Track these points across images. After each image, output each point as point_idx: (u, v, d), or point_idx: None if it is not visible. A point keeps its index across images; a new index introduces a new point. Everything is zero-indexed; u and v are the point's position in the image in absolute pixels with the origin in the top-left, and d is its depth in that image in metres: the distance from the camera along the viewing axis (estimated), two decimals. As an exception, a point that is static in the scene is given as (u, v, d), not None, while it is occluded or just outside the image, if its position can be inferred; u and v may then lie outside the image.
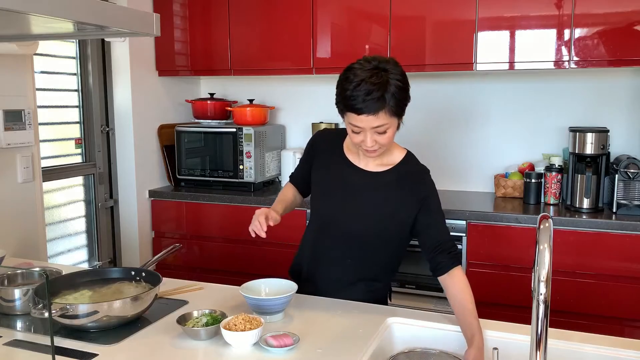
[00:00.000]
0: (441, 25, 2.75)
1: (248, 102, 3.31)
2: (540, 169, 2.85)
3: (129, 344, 1.35)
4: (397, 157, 1.72)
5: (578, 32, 2.55)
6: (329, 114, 3.37)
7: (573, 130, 2.64)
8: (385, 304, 1.76)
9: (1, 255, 1.80)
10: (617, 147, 2.84)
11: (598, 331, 1.47)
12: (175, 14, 3.23)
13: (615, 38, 2.50)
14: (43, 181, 2.45)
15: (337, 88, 1.61)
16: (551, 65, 2.62)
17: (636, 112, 2.84)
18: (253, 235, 1.59)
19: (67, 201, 2.93)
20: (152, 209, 3.23)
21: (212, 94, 3.42)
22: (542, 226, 0.99)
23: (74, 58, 2.95)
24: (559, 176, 2.74)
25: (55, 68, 2.85)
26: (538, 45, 2.61)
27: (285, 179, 3.30)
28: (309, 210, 2.84)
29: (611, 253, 2.39)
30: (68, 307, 1.34)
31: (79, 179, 3.00)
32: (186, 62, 3.26)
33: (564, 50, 2.58)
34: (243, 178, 3.11)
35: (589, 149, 2.58)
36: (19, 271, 1.69)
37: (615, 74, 2.84)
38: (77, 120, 2.99)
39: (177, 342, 1.35)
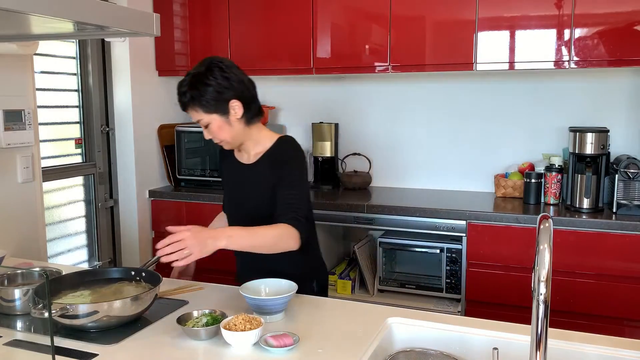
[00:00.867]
0: (441, 25, 2.75)
1: (248, 102, 3.31)
2: (540, 169, 2.85)
3: (129, 344, 1.35)
4: (267, 144, 1.80)
5: (578, 32, 2.55)
6: (329, 114, 3.37)
7: (573, 130, 2.64)
8: (324, 276, 1.92)
9: (1, 255, 1.80)
10: (617, 147, 2.84)
11: (598, 331, 1.47)
12: (175, 14, 3.23)
13: (615, 38, 2.50)
14: (43, 181, 2.45)
15: None
16: (551, 65, 2.62)
17: (636, 112, 2.84)
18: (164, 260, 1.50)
19: (67, 201, 2.93)
20: (152, 209, 3.23)
21: (212, 94, 3.41)
22: (542, 226, 0.99)
23: (74, 58, 2.95)
24: (559, 176, 2.74)
25: (55, 68, 2.85)
26: (538, 45, 2.61)
27: (285, 179, 3.30)
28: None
29: (611, 253, 2.39)
30: (68, 307, 1.34)
31: (79, 179, 3.00)
32: (186, 62, 3.26)
33: (564, 50, 2.58)
34: (243, 178, 3.11)
35: (589, 149, 2.58)
36: (19, 271, 1.69)
37: (615, 74, 2.84)
38: (77, 120, 2.99)
39: (177, 342, 1.35)
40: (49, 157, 2.79)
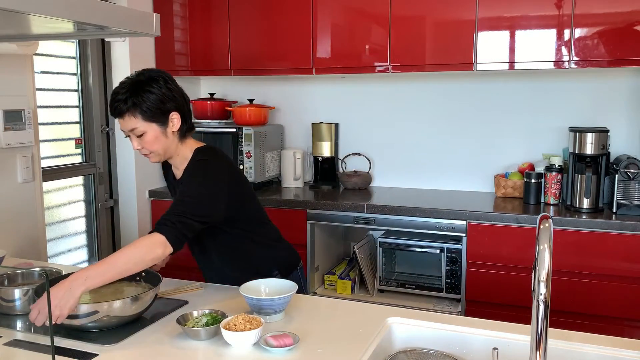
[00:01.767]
0: (441, 25, 2.75)
1: (248, 102, 3.32)
2: (540, 169, 2.85)
3: (129, 344, 1.35)
4: (190, 157, 1.75)
5: (578, 32, 2.55)
6: (329, 114, 3.37)
7: (573, 130, 2.64)
8: (294, 265, 1.94)
9: (1, 255, 1.80)
10: (617, 147, 2.84)
11: (598, 331, 1.47)
12: (175, 14, 3.23)
13: (615, 38, 2.50)
14: (43, 181, 2.45)
15: None
16: (551, 65, 2.62)
17: (636, 112, 2.84)
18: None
19: (67, 201, 2.93)
20: (152, 209, 3.23)
21: (212, 94, 3.42)
22: (542, 226, 0.99)
23: (74, 58, 2.95)
24: (559, 176, 2.74)
25: (55, 68, 2.85)
26: (538, 45, 2.61)
27: (285, 179, 3.30)
28: (308, 210, 2.86)
29: (611, 253, 2.39)
30: None
31: (79, 179, 3.00)
32: (186, 62, 3.26)
33: (564, 50, 2.58)
34: (243, 178, 3.11)
35: (589, 149, 2.58)
36: (19, 271, 1.70)
37: (615, 74, 2.84)
38: (77, 120, 2.99)
39: (177, 342, 1.35)
40: (49, 157, 2.79)
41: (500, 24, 2.66)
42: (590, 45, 2.54)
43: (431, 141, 3.21)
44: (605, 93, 2.88)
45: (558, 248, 2.44)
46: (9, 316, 1.51)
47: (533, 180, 2.75)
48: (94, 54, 3.01)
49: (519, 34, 2.64)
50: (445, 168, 3.19)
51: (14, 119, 2.23)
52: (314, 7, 2.95)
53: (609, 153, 2.65)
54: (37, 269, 1.75)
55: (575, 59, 2.57)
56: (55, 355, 1.25)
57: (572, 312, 2.46)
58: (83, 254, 3.04)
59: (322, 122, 3.29)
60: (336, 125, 3.30)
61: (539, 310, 0.95)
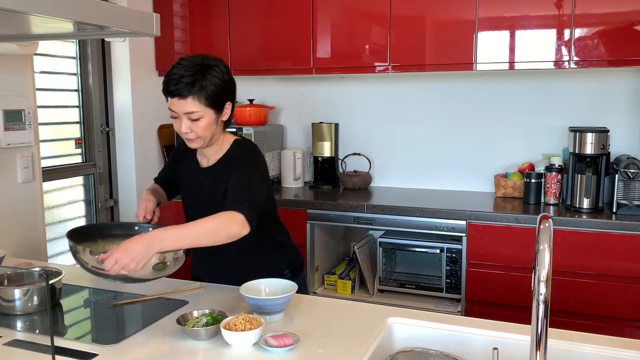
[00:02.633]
0: (441, 25, 2.75)
1: (248, 102, 3.32)
2: (540, 169, 2.85)
3: (129, 344, 1.35)
4: (226, 147, 1.78)
5: (578, 32, 2.55)
6: (329, 114, 3.37)
7: (573, 130, 2.64)
8: (300, 267, 1.92)
9: (1, 255, 1.80)
10: (617, 147, 2.84)
11: (598, 331, 1.47)
12: (175, 14, 3.23)
13: (615, 38, 2.50)
14: (43, 181, 2.45)
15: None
16: (551, 65, 2.62)
17: (636, 112, 2.84)
18: (141, 220, 1.75)
19: (67, 201, 2.93)
20: (152, 209, 3.22)
21: (212, 94, 3.41)
22: (542, 226, 0.99)
23: (74, 58, 2.95)
24: (559, 176, 2.74)
25: (55, 68, 2.85)
26: (538, 45, 2.61)
27: (285, 179, 3.30)
28: (308, 210, 2.86)
29: (611, 253, 2.39)
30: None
31: (79, 179, 3.00)
32: (186, 62, 3.25)
33: (564, 50, 2.58)
34: (243, 178, 3.11)
35: (589, 149, 2.58)
36: (19, 271, 1.69)
37: (615, 74, 2.84)
38: (77, 120, 2.99)
39: (177, 342, 1.35)
40: (49, 157, 2.79)
41: (500, 24, 2.66)
42: (590, 45, 2.54)
43: (431, 141, 3.21)
44: (605, 93, 2.88)
45: (558, 248, 2.44)
46: (9, 316, 1.51)
47: (533, 180, 2.75)
48: (94, 54, 3.01)
49: (519, 34, 2.63)
50: (445, 168, 3.19)
51: (14, 119, 2.23)
52: (314, 7, 2.95)
53: (609, 153, 2.65)
54: (37, 269, 1.75)
55: (576, 59, 2.57)
56: (55, 355, 1.25)
57: (572, 312, 2.46)
58: (83, 254, 3.03)
59: (322, 122, 3.29)
60: (336, 125, 3.30)
61: (539, 310, 0.95)
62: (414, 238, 2.81)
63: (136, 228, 1.74)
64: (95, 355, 1.28)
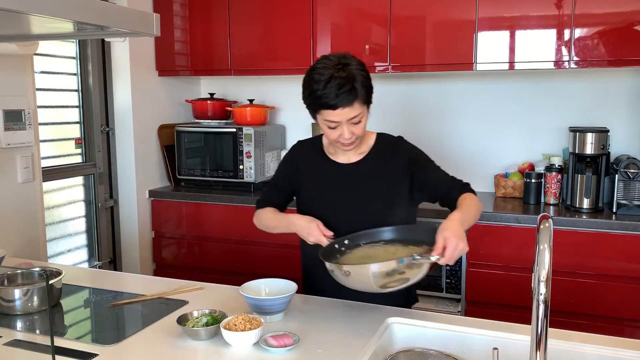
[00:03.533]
0: (441, 25, 2.75)
1: (248, 102, 3.31)
2: (540, 169, 2.85)
3: (129, 344, 1.35)
4: (370, 140, 1.78)
5: (578, 32, 2.55)
6: (329, 114, 3.37)
7: (573, 130, 2.64)
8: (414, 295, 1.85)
9: (1, 255, 1.80)
10: (617, 147, 2.84)
11: (598, 331, 1.47)
12: (175, 14, 3.23)
13: (615, 38, 2.50)
14: (43, 181, 2.45)
15: (304, 90, 1.69)
16: (551, 65, 2.62)
17: (636, 112, 2.84)
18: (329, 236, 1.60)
19: (67, 201, 2.93)
20: (152, 209, 3.23)
21: (212, 94, 3.42)
22: (542, 226, 0.99)
23: (74, 58, 2.95)
24: (559, 176, 2.74)
25: (55, 68, 2.85)
26: (538, 45, 2.61)
27: (285, 179, 3.29)
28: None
29: (611, 253, 2.39)
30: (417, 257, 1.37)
31: (79, 179, 3.00)
32: (186, 62, 3.26)
33: (564, 50, 2.58)
34: (243, 178, 3.11)
35: (589, 149, 2.58)
36: (19, 271, 1.69)
37: (615, 74, 2.84)
38: (77, 120, 2.99)
39: (177, 342, 1.35)
40: (49, 157, 2.79)
41: (500, 24, 2.66)
42: (590, 45, 2.54)
43: (431, 141, 3.20)
44: (605, 93, 2.88)
45: (558, 248, 2.44)
46: (9, 316, 1.51)
47: (533, 180, 2.75)
48: (94, 54, 3.01)
49: (519, 34, 2.63)
50: (445, 168, 3.15)
51: (14, 119, 2.23)
52: (314, 7, 2.95)
53: (609, 153, 2.65)
54: (37, 269, 1.75)
55: (576, 59, 2.57)
56: (55, 355, 1.25)
57: (572, 312, 2.46)
58: (83, 254, 3.04)
59: (322, 122, 3.28)
60: (336, 125, 3.30)
61: (539, 310, 0.95)
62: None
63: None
64: (95, 355, 1.28)
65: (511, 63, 2.66)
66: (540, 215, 1.01)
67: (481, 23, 2.68)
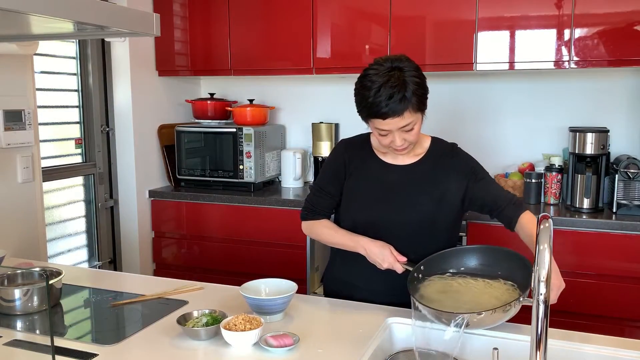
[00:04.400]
0: (441, 25, 2.75)
1: (248, 102, 3.32)
2: (540, 169, 2.85)
3: (129, 344, 1.35)
4: (425, 143, 1.77)
5: (578, 32, 2.55)
6: (329, 114, 3.37)
7: (573, 130, 2.64)
8: None
9: (1, 255, 1.80)
10: (617, 147, 2.84)
11: (598, 331, 1.47)
12: (175, 14, 3.23)
13: (615, 38, 2.50)
14: (43, 181, 2.45)
15: (356, 96, 1.60)
16: (551, 65, 2.62)
17: (636, 112, 2.84)
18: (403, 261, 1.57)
19: (67, 201, 2.93)
20: (152, 209, 3.23)
21: (212, 94, 3.42)
22: (542, 226, 0.99)
23: (74, 58, 2.95)
24: (559, 176, 2.74)
25: (55, 68, 2.85)
26: (538, 45, 2.61)
27: (285, 179, 3.29)
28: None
29: (611, 253, 2.39)
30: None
31: (79, 179, 3.00)
32: (186, 62, 3.26)
33: (564, 50, 2.58)
34: (243, 178, 3.11)
35: (589, 149, 2.58)
36: (19, 271, 1.69)
37: (615, 74, 2.84)
38: (77, 120, 2.99)
39: (177, 342, 1.35)
40: (49, 157, 2.79)
41: (500, 24, 2.66)
42: (590, 45, 2.54)
43: (431, 141, 3.21)
44: (605, 93, 2.88)
45: (558, 248, 2.44)
46: (9, 316, 1.51)
47: (533, 180, 2.75)
48: (94, 54, 3.01)
49: (519, 34, 2.63)
50: (445, 168, 3.19)
51: (14, 119, 2.23)
52: (314, 7, 2.95)
53: (609, 153, 2.65)
54: (37, 269, 1.75)
55: (575, 59, 2.57)
56: (55, 355, 1.25)
57: (572, 312, 2.46)
58: (83, 254, 3.04)
59: (322, 122, 3.28)
60: (336, 125, 3.30)
61: (539, 310, 0.95)
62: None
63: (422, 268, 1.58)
64: (95, 355, 1.28)
65: (511, 63, 2.66)
66: (540, 215, 1.01)
67: (481, 23, 2.68)
